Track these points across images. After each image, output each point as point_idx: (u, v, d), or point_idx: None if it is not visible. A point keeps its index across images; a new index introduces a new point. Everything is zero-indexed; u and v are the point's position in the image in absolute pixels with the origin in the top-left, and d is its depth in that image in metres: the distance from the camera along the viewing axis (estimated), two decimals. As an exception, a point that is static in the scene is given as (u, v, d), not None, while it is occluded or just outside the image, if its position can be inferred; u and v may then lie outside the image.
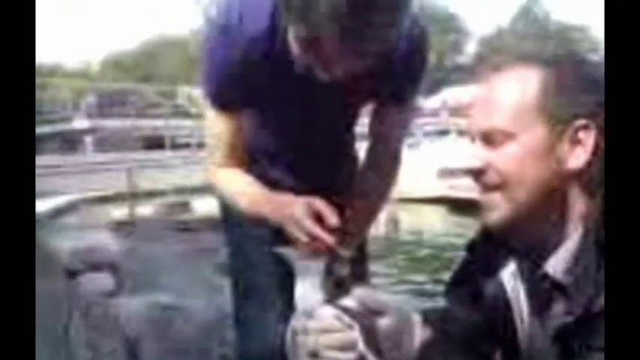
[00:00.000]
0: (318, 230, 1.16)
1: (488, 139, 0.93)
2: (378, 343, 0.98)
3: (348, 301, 1.00)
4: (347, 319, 0.97)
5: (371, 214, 1.45)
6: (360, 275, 1.21)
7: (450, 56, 45.00)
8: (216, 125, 1.36)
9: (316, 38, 1.04)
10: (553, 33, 40.38)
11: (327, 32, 1.01)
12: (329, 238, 1.14)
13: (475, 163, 0.94)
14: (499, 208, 0.93)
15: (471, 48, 47.04)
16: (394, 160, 1.45)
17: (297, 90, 1.29)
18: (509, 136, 0.91)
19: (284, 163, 1.49)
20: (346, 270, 1.10)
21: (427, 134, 16.14)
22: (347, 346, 0.96)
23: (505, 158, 0.92)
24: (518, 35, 40.48)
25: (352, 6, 0.98)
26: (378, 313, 0.99)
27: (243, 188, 1.38)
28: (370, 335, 0.97)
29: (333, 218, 1.17)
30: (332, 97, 1.30)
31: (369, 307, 0.99)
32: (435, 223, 11.14)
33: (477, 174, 0.94)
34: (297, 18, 1.05)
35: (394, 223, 9.35)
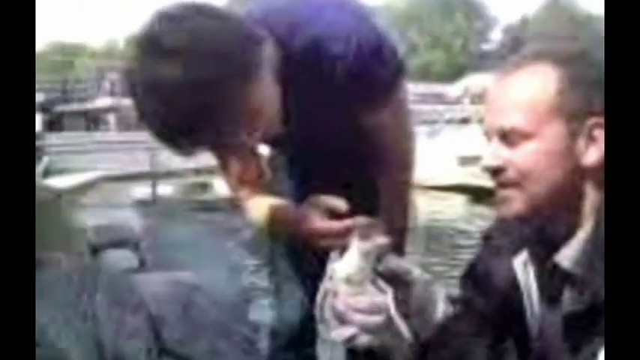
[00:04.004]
0: (335, 226, 1.25)
1: (506, 137, 0.95)
2: (406, 309, 1.02)
3: (382, 267, 1.04)
4: (382, 283, 1.01)
5: (402, 192, 1.47)
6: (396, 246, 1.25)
7: (475, 43, 44.53)
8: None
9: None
10: (578, 23, 39.76)
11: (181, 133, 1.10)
12: (346, 229, 1.17)
13: (494, 162, 0.96)
14: (515, 203, 0.96)
15: (496, 35, 46.50)
16: (409, 137, 1.44)
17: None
18: (526, 134, 0.93)
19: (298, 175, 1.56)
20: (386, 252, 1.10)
21: (449, 122, 16.02)
22: (377, 310, 1.00)
23: (523, 157, 0.93)
24: (544, 24, 39.92)
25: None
26: (409, 281, 1.04)
27: (263, 211, 1.43)
28: (401, 301, 1.01)
29: (341, 205, 1.27)
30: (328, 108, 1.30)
31: (400, 275, 1.04)
32: (454, 211, 11.11)
33: (495, 172, 0.97)
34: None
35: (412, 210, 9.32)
